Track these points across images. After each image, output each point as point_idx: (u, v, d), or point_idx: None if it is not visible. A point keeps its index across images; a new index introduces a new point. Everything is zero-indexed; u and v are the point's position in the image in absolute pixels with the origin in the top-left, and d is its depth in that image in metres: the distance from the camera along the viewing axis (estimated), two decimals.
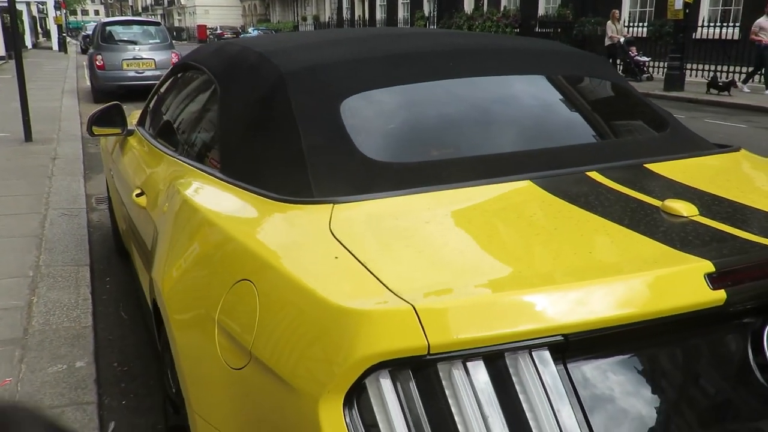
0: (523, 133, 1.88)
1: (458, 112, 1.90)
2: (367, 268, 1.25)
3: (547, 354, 1.13)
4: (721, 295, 1.17)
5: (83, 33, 35.52)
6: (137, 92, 13.41)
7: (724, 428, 1.20)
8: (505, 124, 1.91)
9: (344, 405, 1.11)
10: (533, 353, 1.13)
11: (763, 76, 13.05)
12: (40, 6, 37.62)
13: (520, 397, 1.12)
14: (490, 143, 1.81)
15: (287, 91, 1.85)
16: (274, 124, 1.83)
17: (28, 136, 7.73)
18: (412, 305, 1.10)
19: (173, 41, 13.82)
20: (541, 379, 1.12)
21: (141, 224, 2.58)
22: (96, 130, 3.21)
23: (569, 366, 1.15)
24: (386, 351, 1.08)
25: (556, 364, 1.14)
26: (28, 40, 33.70)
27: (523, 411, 1.12)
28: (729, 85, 12.55)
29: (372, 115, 1.83)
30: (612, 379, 1.18)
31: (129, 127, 3.31)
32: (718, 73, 14.19)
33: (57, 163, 6.65)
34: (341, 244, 1.35)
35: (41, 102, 11.06)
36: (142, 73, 12.79)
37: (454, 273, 1.24)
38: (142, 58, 12.74)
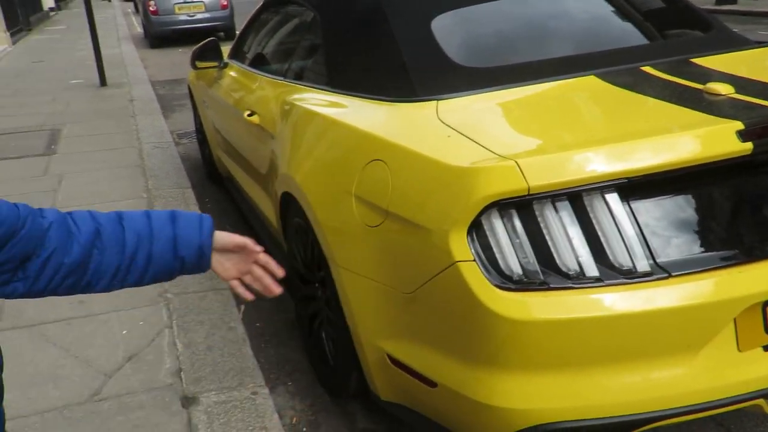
0: (587, 37, 2.23)
1: (530, 23, 2.26)
2: (475, 141, 1.67)
3: (615, 194, 1.54)
4: (748, 146, 1.55)
5: None
6: (189, 35, 13.86)
7: (745, 245, 1.60)
8: (570, 31, 2.25)
9: (468, 235, 1.55)
10: (604, 193, 1.54)
11: None
12: None
13: (595, 225, 1.54)
14: (558, 48, 2.17)
15: (386, 14, 2.24)
16: (376, 43, 2.23)
17: (102, 81, 8.29)
18: (515, 161, 1.52)
19: None
20: (610, 212, 1.54)
21: (252, 140, 3.04)
22: (198, 63, 3.67)
23: (631, 203, 1.56)
24: (498, 193, 1.50)
25: (621, 202, 1.55)
26: None
27: (597, 235, 1.54)
28: None
29: (458, 30, 2.20)
30: (665, 212, 1.59)
31: (224, 60, 3.75)
32: None
33: (135, 104, 7.19)
34: (450, 127, 1.77)
35: (103, 49, 11.60)
36: (194, 16, 13.16)
37: (542, 139, 1.66)
38: (193, 2, 13.09)
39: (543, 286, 1.53)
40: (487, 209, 1.54)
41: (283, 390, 2.49)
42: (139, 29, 17.82)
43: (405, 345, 1.83)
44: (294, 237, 2.51)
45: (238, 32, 3.86)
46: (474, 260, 1.55)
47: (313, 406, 2.41)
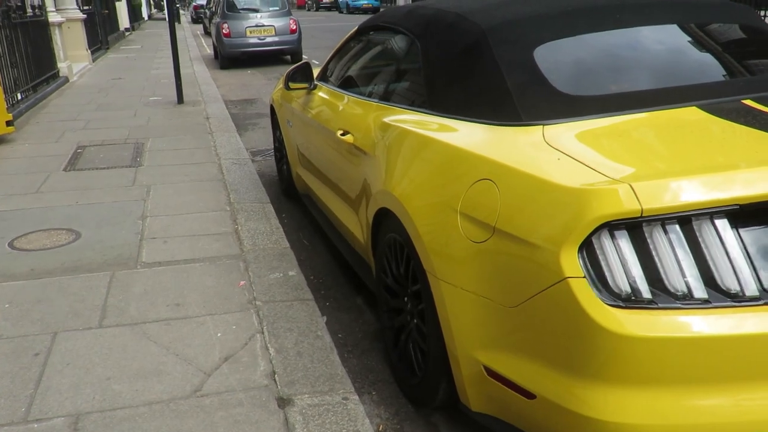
0: (688, 70, 2.29)
1: (630, 54, 2.33)
2: (585, 165, 1.75)
3: (724, 220, 1.60)
4: None
5: (194, 3, 37.37)
6: (258, 58, 14.38)
7: None
8: (672, 63, 2.32)
9: (578, 252, 1.63)
10: (714, 219, 1.60)
11: None
12: None
13: (704, 249, 1.60)
14: (658, 79, 2.24)
15: (489, 43, 2.35)
16: (479, 70, 2.34)
17: (180, 98, 8.67)
18: (629, 184, 1.59)
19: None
20: (719, 237, 1.59)
21: (342, 158, 3.18)
22: (291, 85, 3.86)
23: (740, 230, 1.61)
24: (612, 214, 1.58)
25: (731, 228, 1.60)
26: (144, 13, 35.94)
27: (705, 258, 1.60)
28: None
29: (561, 58, 2.29)
30: None
31: (314, 82, 3.94)
32: None
33: (211, 122, 7.50)
34: (559, 150, 1.86)
35: None
36: (264, 39, 13.64)
37: (652, 164, 1.72)
38: (263, 26, 13.58)
39: (651, 305, 1.59)
40: (598, 229, 1.61)
41: (368, 399, 2.59)
42: (209, 50, 18.56)
43: (504, 357, 1.90)
44: (386, 252, 2.61)
45: (305, 56, 4.03)
46: (584, 277, 1.62)
47: (397, 415, 2.49)
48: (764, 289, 1.59)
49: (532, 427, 1.89)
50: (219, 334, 2.79)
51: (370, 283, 3.02)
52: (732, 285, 1.59)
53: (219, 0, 15.13)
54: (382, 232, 2.63)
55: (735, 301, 1.58)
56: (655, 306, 1.59)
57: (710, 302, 1.58)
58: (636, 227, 1.62)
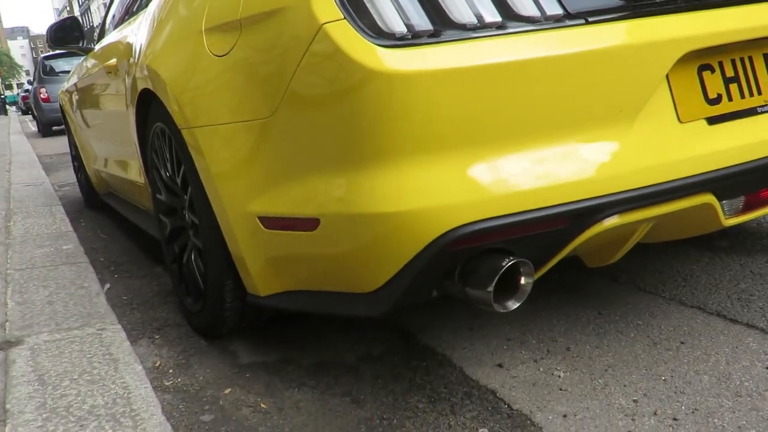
0: None
1: None
2: None
3: None
4: None
5: (22, 93, 35.24)
6: None
7: None
8: None
9: None
10: None
11: None
12: None
13: None
14: None
15: None
16: None
17: None
18: None
19: None
20: None
21: (116, 100, 2.63)
22: (57, 41, 3.27)
23: None
24: None
25: None
26: None
27: None
28: None
29: None
30: None
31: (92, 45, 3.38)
32: None
33: (13, 164, 6.59)
34: None
35: None
36: None
37: None
38: None
39: (434, 39, 1.21)
40: None
41: (147, 343, 1.98)
42: (33, 128, 17.15)
43: (275, 193, 1.43)
44: (154, 159, 2.09)
45: None
46: (344, 18, 1.21)
47: (184, 352, 1.90)
48: (567, 11, 1.26)
49: (325, 277, 1.42)
50: None
51: (158, 234, 2.45)
52: (529, 6, 1.24)
53: (37, 65, 14.05)
54: (148, 133, 2.10)
55: (535, 25, 1.23)
56: (440, 39, 1.20)
57: (506, 27, 1.22)
58: None
